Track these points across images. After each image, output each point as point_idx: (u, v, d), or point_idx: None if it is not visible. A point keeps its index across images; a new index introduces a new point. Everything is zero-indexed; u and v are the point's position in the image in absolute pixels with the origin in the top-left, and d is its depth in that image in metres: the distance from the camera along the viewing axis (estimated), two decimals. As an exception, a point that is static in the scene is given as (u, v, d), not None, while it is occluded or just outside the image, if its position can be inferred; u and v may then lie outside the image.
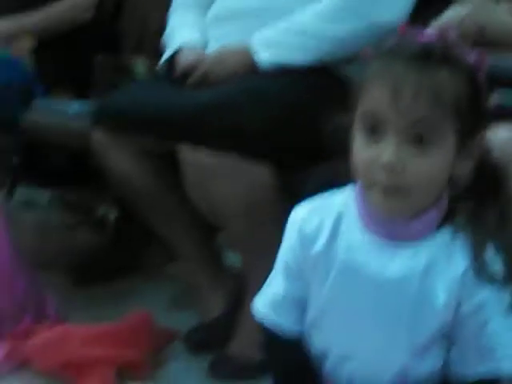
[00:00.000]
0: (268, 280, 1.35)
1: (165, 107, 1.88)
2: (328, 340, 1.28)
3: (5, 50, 2.48)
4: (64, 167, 2.73)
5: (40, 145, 2.55)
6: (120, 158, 2.01)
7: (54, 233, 2.78)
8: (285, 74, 1.89)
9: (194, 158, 1.82)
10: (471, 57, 1.16)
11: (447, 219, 1.21)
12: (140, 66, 2.39)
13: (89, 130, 2.10)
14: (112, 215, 2.72)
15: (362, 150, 1.16)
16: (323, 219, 1.25)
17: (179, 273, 2.40)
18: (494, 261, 1.18)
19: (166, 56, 2.06)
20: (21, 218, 2.93)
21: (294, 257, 1.28)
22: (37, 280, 2.15)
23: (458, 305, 1.19)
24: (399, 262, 1.20)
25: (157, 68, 2.16)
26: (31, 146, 2.59)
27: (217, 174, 1.80)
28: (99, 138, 2.04)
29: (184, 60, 1.96)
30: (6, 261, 2.04)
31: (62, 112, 2.43)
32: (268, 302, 1.33)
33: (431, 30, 1.18)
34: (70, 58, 2.56)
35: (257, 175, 1.83)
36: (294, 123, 1.86)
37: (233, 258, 2.19)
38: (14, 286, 2.05)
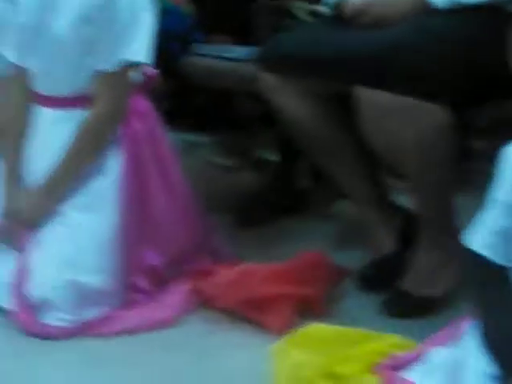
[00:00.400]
0: (482, 217, 1.38)
1: (341, 49, 1.90)
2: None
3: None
4: (216, 112, 2.81)
5: (194, 90, 2.64)
6: (289, 101, 2.05)
7: (216, 176, 2.87)
8: (456, 12, 1.87)
9: (370, 96, 1.83)
10: None
11: None
12: (300, 9, 2.41)
13: (253, 74, 2.15)
14: (272, 157, 2.77)
15: None
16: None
17: (347, 211, 2.43)
18: None
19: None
20: (184, 163, 3.04)
21: None
22: (209, 222, 2.24)
23: None
24: None
25: (318, 11, 2.17)
26: (186, 91, 2.68)
27: (393, 113, 1.82)
28: (267, 82, 2.07)
29: (352, 3, 1.96)
30: (183, 203, 2.13)
31: (222, 57, 2.50)
32: (483, 239, 1.36)
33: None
34: (227, 4, 2.62)
35: (433, 115, 1.83)
36: (468, 61, 1.85)
37: (402, 199, 2.21)
38: (192, 227, 2.14)
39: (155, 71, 2.16)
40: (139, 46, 1.99)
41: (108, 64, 1.99)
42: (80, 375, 1.75)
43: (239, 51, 2.47)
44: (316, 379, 1.55)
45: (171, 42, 2.51)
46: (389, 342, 1.62)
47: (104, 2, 1.95)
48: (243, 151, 2.98)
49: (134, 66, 2.03)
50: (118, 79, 2.01)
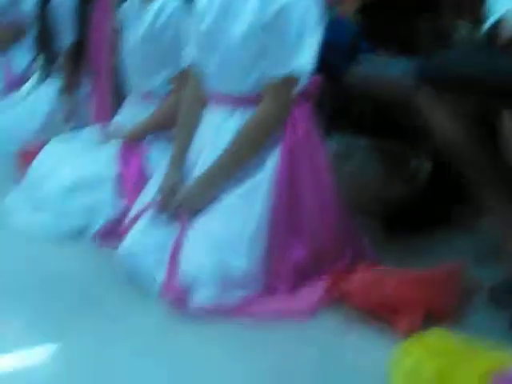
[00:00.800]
0: None
1: (496, 70, 1.97)
2: None
3: (333, 10, 2.70)
4: (375, 119, 2.91)
5: (358, 96, 2.76)
6: (442, 119, 2.12)
7: (369, 181, 2.97)
8: None
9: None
10: None
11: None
12: (461, 30, 2.48)
13: (411, 87, 2.24)
14: (425, 168, 2.85)
15: None
16: None
17: (488, 228, 2.48)
18: None
19: (489, 23, 2.11)
20: (340, 166, 3.17)
21: None
22: (355, 224, 2.36)
23: None
24: None
25: (478, 33, 2.23)
26: (349, 97, 2.80)
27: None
28: (424, 97, 2.16)
29: (509, 30, 2.01)
30: (331, 203, 2.26)
31: (385, 69, 2.61)
32: None
33: None
34: (393, 17, 2.72)
35: None
36: None
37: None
38: (337, 227, 2.27)
39: (318, 79, 2.29)
40: (306, 57, 2.15)
41: (276, 71, 2.15)
42: (218, 353, 1.91)
43: (401, 64, 2.57)
44: (435, 380, 1.62)
45: (338, 51, 2.65)
46: (510, 356, 1.66)
47: (277, 13, 2.12)
48: (399, 160, 3.07)
49: (300, 74, 2.18)
50: (284, 85, 2.18)
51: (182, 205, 2.21)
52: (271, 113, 2.19)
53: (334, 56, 2.62)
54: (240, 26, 2.17)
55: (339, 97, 2.86)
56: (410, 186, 2.88)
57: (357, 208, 2.49)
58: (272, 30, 2.14)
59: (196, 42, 2.33)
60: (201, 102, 2.32)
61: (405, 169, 3.01)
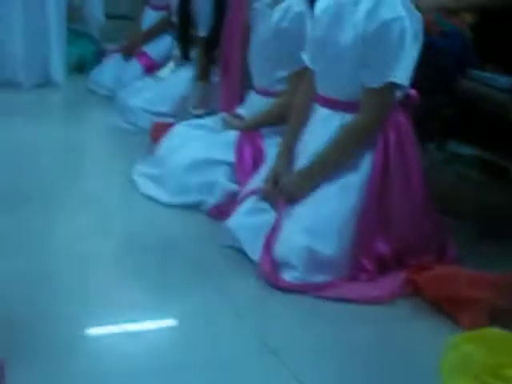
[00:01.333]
0: None
1: None
2: None
3: (447, 21, 2.87)
4: (487, 130, 3.06)
5: (470, 108, 2.92)
6: None
7: (469, 186, 3.13)
8: None
9: None
10: None
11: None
12: None
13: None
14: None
15: None
16: None
17: None
18: None
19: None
20: (444, 168, 3.35)
21: None
22: (442, 225, 2.54)
23: None
24: None
25: None
26: (465, 107, 2.97)
27: None
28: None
29: None
30: (420, 205, 2.45)
31: (491, 84, 2.77)
32: None
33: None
34: (503, 35, 2.85)
35: None
36: None
37: None
38: (423, 225, 2.45)
39: (415, 91, 2.48)
40: (403, 70, 2.35)
41: (375, 81, 2.37)
42: (295, 322, 2.20)
43: (505, 81, 2.73)
44: (482, 375, 1.73)
45: (450, 57, 2.83)
46: None
47: (378, 27, 2.33)
48: (499, 168, 3.20)
49: (398, 84, 2.39)
50: (383, 95, 2.39)
51: (282, 193, 2.46)
52: (368, 120, 2.40)
53: (446, 61, 2.80)
54: (346, 36, 2.40)
55: (448, 105, 3.04)
56: (507, 193, 3.02)
57: (452, 211, 2.67)
58: (373, 43, 2.35)
59: (309, 46, 2.58)
60: (311, 102, 2.56)
61: (504, 177, 3.15)
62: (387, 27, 2.32)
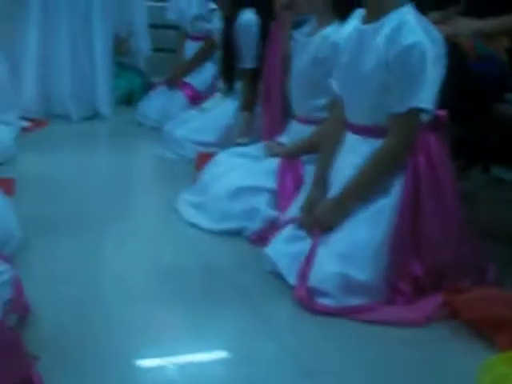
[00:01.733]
0: None
1: None
2: None
3: (484, 45, 2.89)
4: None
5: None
6: None
7: (510, 210, 3.14)
8: None
9: None
10: None
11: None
12: None
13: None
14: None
15: None
16: None
17: None
18: None
19: None
20: (486, 193, 3.36)
21: None
22: (482, 249, 2.55)
23: None
24: None
25: None
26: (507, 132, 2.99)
27: None
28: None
29: None
30: (454, 224, 2.45)
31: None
32: None
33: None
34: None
35: None
36: None
37: None
38: (460, 248, 2.46)
39: (444, 113, 2.50)
40: (426, 94, 2.37)
41: (400, 107, 2.40)
42: (332, 346, 2.21)
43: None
44: None
45: (488, 80, 2.85)
46: None
47: (398, 52, 2.36)
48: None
49: (422, 110, 2.41)
50: (408, 120, 2.41)
51: (317, 222, 2.49)
52: (397, 144, 2.42)
53: (484, 86, 2.82)
54: (368, 63, 2.44)
55: (490, 131, 3.06)
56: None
57: (492, 233, 2.68)
58: (394, 69, 2.38)
59: (336, 73, 2.63)
60: (342, 128, 2.60)
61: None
62: (407, 52, 2.35)
